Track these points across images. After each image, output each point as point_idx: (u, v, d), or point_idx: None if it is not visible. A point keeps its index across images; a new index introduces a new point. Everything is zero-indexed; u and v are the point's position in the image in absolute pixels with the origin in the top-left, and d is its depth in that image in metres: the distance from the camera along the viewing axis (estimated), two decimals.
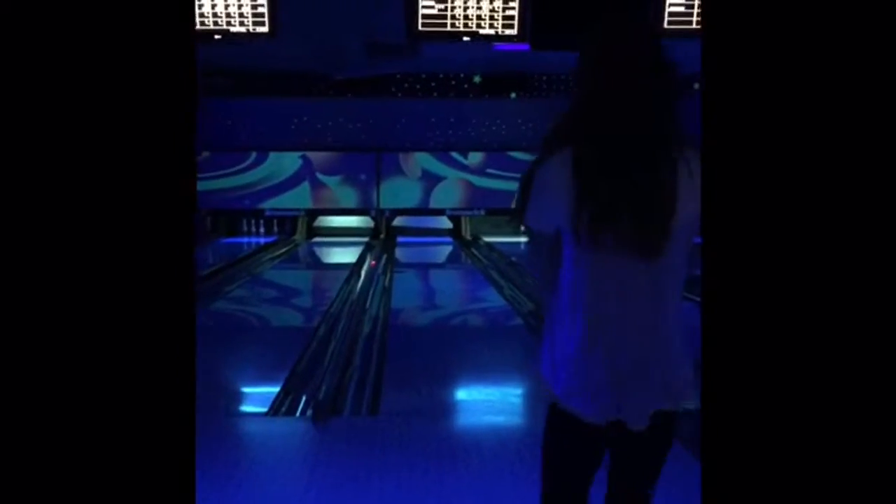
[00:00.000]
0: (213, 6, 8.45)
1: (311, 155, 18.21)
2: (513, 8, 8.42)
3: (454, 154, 18.56)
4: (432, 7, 8.40)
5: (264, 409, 5.13)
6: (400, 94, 13.94)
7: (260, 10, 8.51)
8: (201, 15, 8.42)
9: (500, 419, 4.98)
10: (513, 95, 13.88)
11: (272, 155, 18.16)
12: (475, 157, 18.92)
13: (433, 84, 13.80)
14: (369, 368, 6.24)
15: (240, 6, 8.47)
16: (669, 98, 1.86)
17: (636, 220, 1.81)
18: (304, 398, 5.34)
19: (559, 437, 2.03)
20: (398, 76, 13.60)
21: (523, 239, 19.72)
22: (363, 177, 18.25)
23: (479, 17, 8.42)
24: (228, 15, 8.49)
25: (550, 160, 1.88)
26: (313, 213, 18.51)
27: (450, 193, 17.68)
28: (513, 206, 1.96)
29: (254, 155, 18.19)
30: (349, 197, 18.23)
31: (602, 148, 1.83)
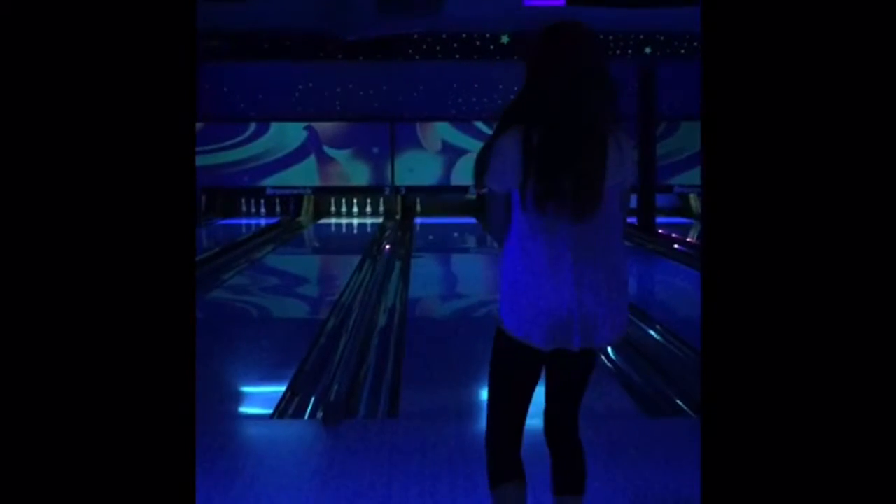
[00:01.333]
0: None
1: (318, 126, 18.22)
2: None
3: (479, 124, 18.48)
4: None
5: (268, 411, 5.14)
6: (418, 57, 13.88)
7: None
8: None
9: (531, 422, 4.97)
10: None
11: (274, 126, 18.20)
12: None
13: (455, 45, 13.73)
14: (385, 366, 6.25)
15: None
16: (605, 88, 2.55)
17: (573, 192, 2.51)
18: (312, 399, 5.35)
19: (508, 360, 2.74)
20: (416, 36, 13.54)
21: None
22: (376, 150, 18.25)
23: None
24: None
25: (504, 137, 2.57)
26: (320, 192, 18.55)
27: None
28: (474, 170, 2.68)
29: (253, 126, 18.22)
30: (360, 173, 18.23)
31: (545, 131, 2.52)
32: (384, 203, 18.84)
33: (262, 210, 18.89)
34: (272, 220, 17.89)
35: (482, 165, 2.64)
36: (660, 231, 15.06)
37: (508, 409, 2.81)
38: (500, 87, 17.91)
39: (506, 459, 2.83)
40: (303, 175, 18.17)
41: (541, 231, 2.57)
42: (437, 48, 13.76)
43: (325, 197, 18.89)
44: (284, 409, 5.19)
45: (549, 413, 2.93)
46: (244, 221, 18.12)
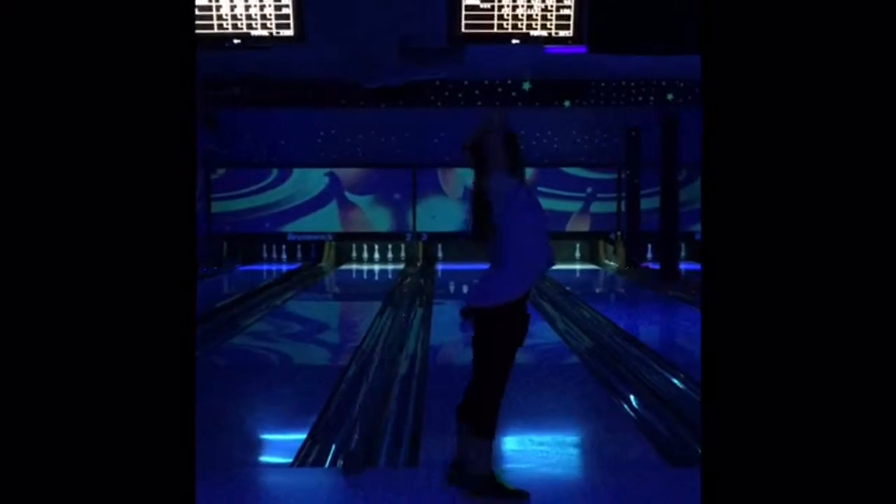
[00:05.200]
0: (233, 6, 8.56)
1: (340, 172, 18.35)
2: (568, 7, 8.46)
3: None
4: (477, 6, 8.47)
5: (289, 460, 5.14)
6: (439, 104, 14.00)
7: (285, 10, 8.60)
8: (218, 17, 8.54)
9: (556, 472, 4.96)
10: (567, 104, 13.89)
11: (296, 172, 18.33)
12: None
13: (477, 92, 13.85)
14: (406, 413, 6.25)
15: (262, 6, 8.57)
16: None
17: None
18: (333, 447, 5.35)
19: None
20: (437, 83, 13.67)
21: (578, 266, 19.66)
22: (398, 196, 18.36)
23: (529, 17, 8.47)
24: (249, 17, 8.59)
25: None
26: (342, 238, 18.64)
27: None
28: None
29: (275, 172, 18.37)
30: (382, 219, 18.32)
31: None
32: (405, 249, 18.91)
33: (284, 256, 18.99)
34: (293, 267, 17.96)
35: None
36: (683, 277, 15.03)
37: None
38: (522, 132, 17.99)
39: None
40: (324, 221, 18.28)
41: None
42: (459, 95, 13.87)
43: (347, 243, 18.98)
44: (305, 457, 5.19)
45: None
46: (265, 267, 18.20)
